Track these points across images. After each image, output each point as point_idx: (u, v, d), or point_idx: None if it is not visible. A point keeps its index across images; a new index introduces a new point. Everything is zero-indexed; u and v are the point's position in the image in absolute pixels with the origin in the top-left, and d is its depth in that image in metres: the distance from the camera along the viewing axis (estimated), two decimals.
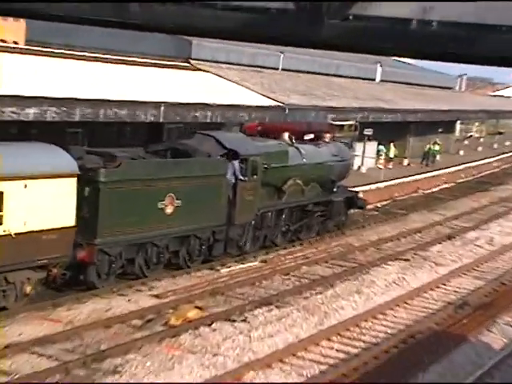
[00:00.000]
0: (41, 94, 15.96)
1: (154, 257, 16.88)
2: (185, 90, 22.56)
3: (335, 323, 15.18)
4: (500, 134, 61.70)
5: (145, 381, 11.85)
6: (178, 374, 12.17)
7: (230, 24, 5.37)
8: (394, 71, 44.72)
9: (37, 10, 5.42)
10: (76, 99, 16.74)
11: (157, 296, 15.97)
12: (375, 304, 16.77)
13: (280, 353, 13.33)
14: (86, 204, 14.98)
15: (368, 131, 32.90)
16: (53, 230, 14.16)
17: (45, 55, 20.19)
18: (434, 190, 35.85)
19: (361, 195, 25.56)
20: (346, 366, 13.04)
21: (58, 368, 11.90)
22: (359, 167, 34.64)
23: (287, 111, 24.02)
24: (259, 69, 31.24)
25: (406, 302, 17.13)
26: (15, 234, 13.48)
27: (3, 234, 13.32)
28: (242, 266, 19.05)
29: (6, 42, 26.33)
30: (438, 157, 42.02)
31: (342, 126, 31.91)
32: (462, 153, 48.52)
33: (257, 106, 23.31)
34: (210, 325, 14.42)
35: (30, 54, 19.96)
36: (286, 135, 21.79)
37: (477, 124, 59.59)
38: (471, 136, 57.26)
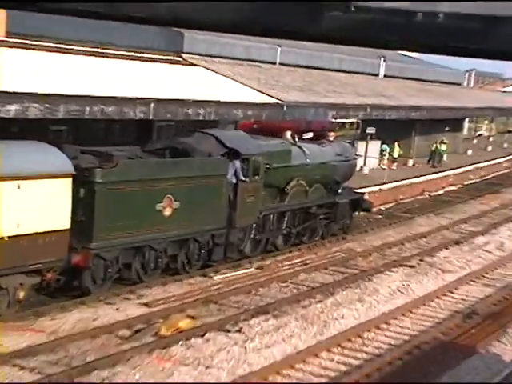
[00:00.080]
0: (22, 90, 15.94)
1: (152, 261, 17.00)
2: (176, 85, 22.55)
3: (336, 333, 15.19)
4: (510, 132, 61.87)
5: None
6: None
7: (226, 16, 5.39)
8: (399, 66, 44.81)
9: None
10: (60, 95, 16.71)
11: (146, 304, 15.97)
12: (378, 313, 16.80)
13: (277, 365, 13.34)
14: (82, 206, 15.09)
15: (370, 130, 32.95)
16: (47, 232, 14.25)
17: (26, 48, 20.16)
18: (441, 192, 35.93)
19: (366, 197, 25.64)
20: (347, 378, 13.06)
21: (41, 381, 11.89)
22: (361, 168, 34.67)
23: (285, 108, 24.03)
24: (255, 63, 31.27)
25: (410, 311, 17.16)
26: (8, 237, 13.52)
27: None
28: (236, 272, 19.07)
29: None
30: (444, 157, 42.09)
31: (343, 123, 31.98)
32: (470, 152, 48.60)
33: (253, 103, 23.31)
34: (202, 335, 14.42)
35: (10, 46, 19.93)
36: (288, 134, 21.90)
37: (486, 122, 59.77)
38: (480, 135, 57.42)
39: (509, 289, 19.75)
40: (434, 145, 41.16)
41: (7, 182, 13.55)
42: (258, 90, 24.96)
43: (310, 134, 23.29)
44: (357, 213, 25.01)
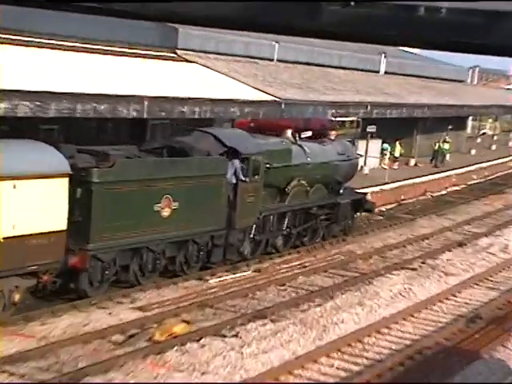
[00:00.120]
0: (12, 87, 15.93)
1: (150, 263, 17.07)
2: (171, 82, 22.55)
3: (335, 338, 15.20)
4: None
5: None
6: None
7: (223, 11, 5.39)
8: (400, 62, 44.79)
9: None
10: (50, 93, 16.71)
11: (140, 309, 15.97)
12: (379, 317, 16.81)
13: (275, 371, 13.35)
14: (78, 206, 15.17)
15: (371, 128, 32.96)
16: (43, 234, 14.29)
17: (15, 44, 20.14)
18: (444, 192, 35.95)
19: (369, 197, 25.67)
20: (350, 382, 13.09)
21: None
22: (362, 167, 34.67)
23: (283, 106, 24.03)
24: (252, 60, 31.26)
25: (412, 315, 17.18)
26: (3, 238, 13.54)
27: None
28: (233, 275, 19.08)
29: None
30: (447, 156, 42.12)
31: (343, 122, 31.98)
32: (473, 152, 48.64)
33: (250, 101, 23.31)
34: (198, 340, 14.43)
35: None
36: (288, 132, 21.94)
37: (490, 120, 59.78)
38: (484, 133, 57.44)
39: None
40: (437, 144, 41.17)
41: (2, 182, 13.57)
42: (254, 88, 24.97)
43: (309, 133, 23.30)
44: (358, 213, 25.03)
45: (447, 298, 18.75)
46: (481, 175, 42.13)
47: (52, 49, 21.08)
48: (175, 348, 13.96)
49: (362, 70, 39.60)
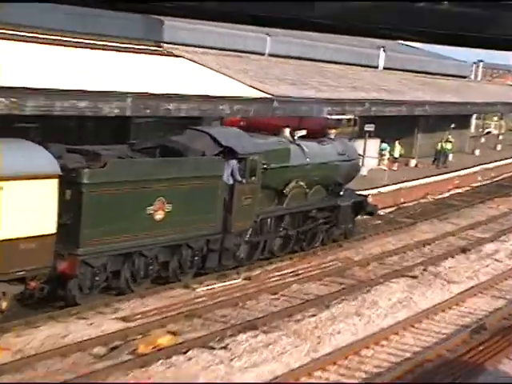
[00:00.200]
0: None
1: (142, 269, 17.11)
2: (156, 78, 22.54)
3: (331, 350, 15.22)
4: None
5: None
6: None
7: (211, 3, 5.40)
8: (400, 57, 44.91)
9: None
10: (27, 89, 16.68)
11: (123, 319, 15.96)
12: (378, 328, 16.84)
13: None
14: (68, 209, 15.18)
15: (369, 127, 33.00)
16: (31, 237, 14.29)
17: None
18: (446, 195, 36.04)
19: (370, 199, 25.72)
20: None
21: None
22: None
23: (275, 104, 24.05)
24: (242, 54, 31.29)
25: (413, 326, 17.21)
26: None
27: None
28: (222, 283, 19.08)
29: None
30: (450, 156, 42.22)
31: (339, 120, 32.01)
32: (478, 152, 48.78)
33: (240, 98, 23.32)
34: (184, 353, 14.42)
35: None
36: (286, 131, 21.98)
37: (495, 118, 59.94)
38: (489, 132, 57.58)
39: None
40: (440, 144, 41.23)
41: None
42: (245, 84, 24.98)
43: (303, 132, 23.31)
44: (359, 216, 25.10)
45: (450, 308, 18.80)
46: (485, 177, 42.26)
47: (26, 42, 21.03)
48: (160, 361, 13.94)
49: (359, 65, 39.68)
